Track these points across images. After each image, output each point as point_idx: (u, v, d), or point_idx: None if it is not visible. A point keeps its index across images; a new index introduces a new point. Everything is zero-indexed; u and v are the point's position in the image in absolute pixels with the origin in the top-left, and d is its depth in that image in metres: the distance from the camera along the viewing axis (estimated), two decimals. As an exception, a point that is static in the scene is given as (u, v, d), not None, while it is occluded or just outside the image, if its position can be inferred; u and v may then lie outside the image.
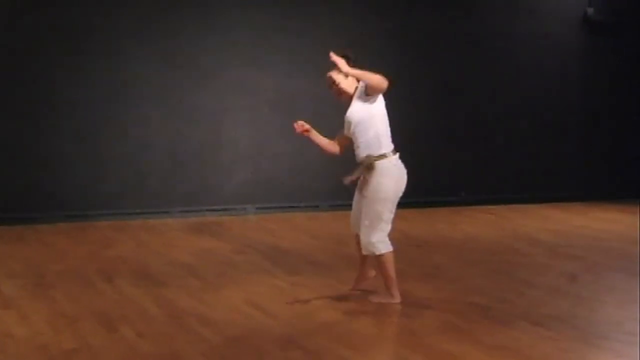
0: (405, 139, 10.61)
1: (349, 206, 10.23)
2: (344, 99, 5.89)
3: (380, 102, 5.76)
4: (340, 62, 5.64)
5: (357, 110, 5.70)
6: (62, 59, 9.08)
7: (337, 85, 5.80)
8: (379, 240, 5.63)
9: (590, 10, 11.38)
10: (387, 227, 5.71)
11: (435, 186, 10.61)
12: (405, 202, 10.91)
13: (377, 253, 5.63)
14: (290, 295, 6.01)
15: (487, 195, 10.74)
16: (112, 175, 9.39)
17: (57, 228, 8.77)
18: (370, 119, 5.66)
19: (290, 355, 4.58)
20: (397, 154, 5.76)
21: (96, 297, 5.86)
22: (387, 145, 5.70)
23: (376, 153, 5.63)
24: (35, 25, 8.96)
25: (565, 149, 11.59)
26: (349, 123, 5.79)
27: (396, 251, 7.67)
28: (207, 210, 9.75)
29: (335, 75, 5.78)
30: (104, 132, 9.32)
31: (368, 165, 5.66)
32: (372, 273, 6.03)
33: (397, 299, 5.71)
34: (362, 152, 5.72)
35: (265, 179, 10.06)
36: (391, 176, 5.67)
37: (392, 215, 5.74)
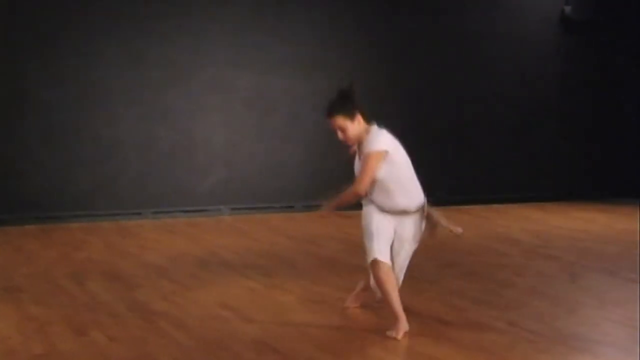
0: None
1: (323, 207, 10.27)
2: (353, 147, 5.54)
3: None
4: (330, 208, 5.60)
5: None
6: (34, 60, 9.01)
7: (343, 133, 5.40)
8: None
9: (568, 9, 11.46)
10: None
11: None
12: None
13: None
14: (264, 298, 5.99)
15: (465, 195, 10.78)
16: (83, 176, 9.31)
17: (26, 230, 8.68)
18: None
19: (264, 358, 4.56)
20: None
21: (66, 300, 5.80)
22: None
23: None
24: (5, 25, 8.88)
25: (543, 148, 11.64)
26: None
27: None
28: (180, 211, 9.71)
29: (339, 121, 5.34)
30: (75, 133, 9.25)
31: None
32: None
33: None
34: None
35: (239, 180, 10.02)
36: None
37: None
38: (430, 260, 7.50)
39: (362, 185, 5.29)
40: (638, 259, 7.49)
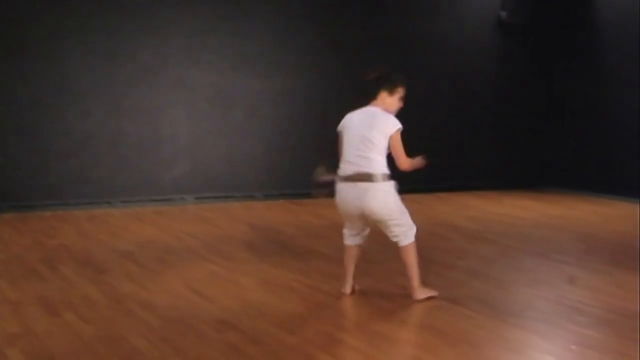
0: (329, 134, 10.65)
1: (281, 196, 10.31)
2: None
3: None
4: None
5: None
6: (6, 57, 8.83)
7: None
8: None
9: (503, 14, 11.54)
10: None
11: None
12: (334, 191, 10.86)
13: None
14: (226, 280, 5.98)
15: (410, 185, 10.81)
16: (55, 168, 9.19)
17: (2, 218, 8.53)
18: None
19: (226, 335, 4.56)
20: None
21: (40, 284, 5.72)
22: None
23: None
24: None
25: (482, 142, 11.75)
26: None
27: (326, 238, 7.73)
28: (148, 200, 9.62)
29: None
30: (47, 127, 9.11)
31: None
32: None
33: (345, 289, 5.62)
34: None
35: (203, 171, 9.97)
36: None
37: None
38: (378, 245, 7.53)
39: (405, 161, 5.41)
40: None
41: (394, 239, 5.38)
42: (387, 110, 5.48)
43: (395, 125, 5.37)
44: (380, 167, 5.30)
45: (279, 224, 8.55)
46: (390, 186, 5.34)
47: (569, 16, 11.72)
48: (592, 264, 6.80)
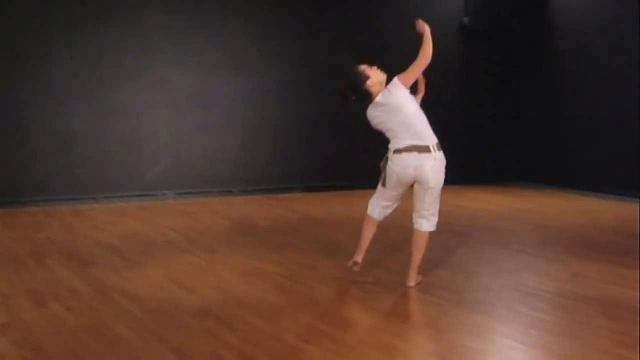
0: (309, 132, 10.69)
1: (258, 191, 10.30)
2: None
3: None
4: (427, 29, 5.53)
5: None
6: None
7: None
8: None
9: (466, 20, 11.61)
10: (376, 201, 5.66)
11: (333, 173, 10.75)
12: (309, 187, 10.98)
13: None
14: (207, 272, 5.97)
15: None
16: (42, 166, 9.13)
17: (-9, 214, 8.47)
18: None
19: (207, 324, 4.55)
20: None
21: (27, 276, 5.68)
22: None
23: None
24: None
25: (447, 140, 11.68)
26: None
27: (301, 232, 7.74)
28: (131, 196, 9.58)
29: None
30: (34, 126, 9.04)
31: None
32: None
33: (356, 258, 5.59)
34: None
35: (183, 168, 9.94)
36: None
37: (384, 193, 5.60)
38: (350, 237, 7.55)
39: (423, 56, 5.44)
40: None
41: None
42: (382, 85, 5.42)
43: (394, 83, 5.34)
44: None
45: (256, 218, 8.55)
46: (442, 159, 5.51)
47: (527, 21, 11.81)
48: (550, 254, 6.87)
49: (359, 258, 5.58)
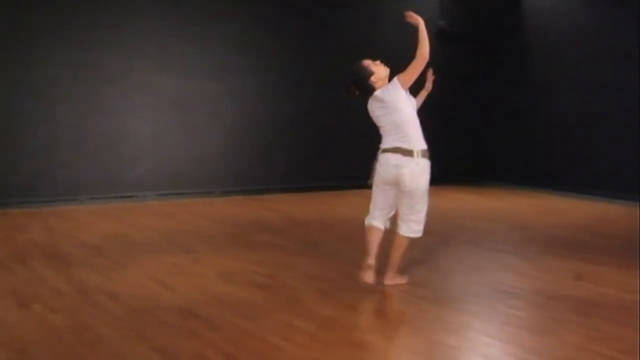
0: (289, 133, 10.69)
1: (239, 192, 10.30)
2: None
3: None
4: (420, 22, 5.48)
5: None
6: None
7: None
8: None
9: (442, 23, 11.66)
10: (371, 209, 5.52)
11: (313, 173, 10.76)
12: (289, 187, 10.96)
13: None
14: (187, 271, 5.97)
15: (358, 181, 10.84)
16: (25, 168, 9.07)
17: (-27, 216, 8.40)
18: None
19: (187, 323, 4.55)
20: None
21: (10, 277, 5.66)
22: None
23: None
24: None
25: (425, 141, 11.81)
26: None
27: (281, 232, 7.75)
28: (113, 197, 9.54)
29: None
30: (17, 129, 8.99)
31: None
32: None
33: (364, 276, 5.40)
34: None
35: (164, 169, 9.91)
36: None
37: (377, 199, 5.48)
38: (329, 236, 7.58)
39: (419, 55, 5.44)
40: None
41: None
42: (385, 80, 5.46)
43: (393, 82, 5.39)
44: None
45: (237, 218, 8.54)
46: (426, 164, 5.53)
47: (503, 25, 11.89)
48: (525, 252, 6.92)
49: (371, 261, 5.41)
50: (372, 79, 5.39)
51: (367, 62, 5.44)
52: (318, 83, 10.85)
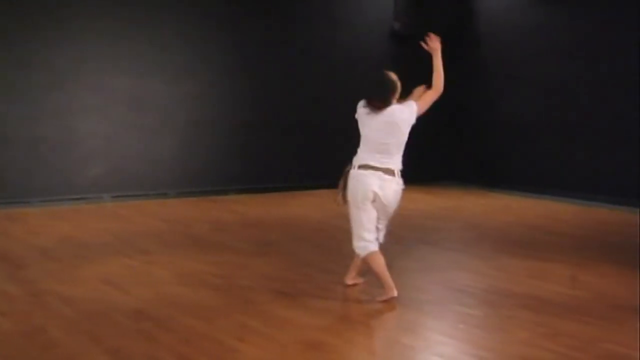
0: (244, 134, 10.65)
1: (194, 193, 10.22)
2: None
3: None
4: (437, 50, 5.58)
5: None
6: None
7: None
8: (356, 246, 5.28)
9: (396, 25, 11.74)
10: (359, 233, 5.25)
11: (268, 175, 10.74)
12: (244, 188, 10.91)
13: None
14: (141, 273, 5.89)
15: (312, 181, 10.90)
16: (-27, 169, 8.87)
17: None
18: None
19: (142, 325, 4.50)
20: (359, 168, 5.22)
21: (-41, 281, 5.52)
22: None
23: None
24: None
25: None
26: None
27: (236, 233, 7.71)
28: (66, 199, 9.38)
29: None
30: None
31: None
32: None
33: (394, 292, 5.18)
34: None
35: (119, 171, 9.78)
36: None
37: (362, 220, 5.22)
38: (284, 236, 7.57)
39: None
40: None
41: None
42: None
43: (411, 106, 5.46)
44: None
45: (192, 220, 8.47)
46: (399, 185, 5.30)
47: (456, 27, 12.01)
48: (478, 251, 7.00)
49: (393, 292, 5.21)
50: (396, 94, 5.38)
51: (395, 76, 5.48)
52: (272, 85, 10.84)
